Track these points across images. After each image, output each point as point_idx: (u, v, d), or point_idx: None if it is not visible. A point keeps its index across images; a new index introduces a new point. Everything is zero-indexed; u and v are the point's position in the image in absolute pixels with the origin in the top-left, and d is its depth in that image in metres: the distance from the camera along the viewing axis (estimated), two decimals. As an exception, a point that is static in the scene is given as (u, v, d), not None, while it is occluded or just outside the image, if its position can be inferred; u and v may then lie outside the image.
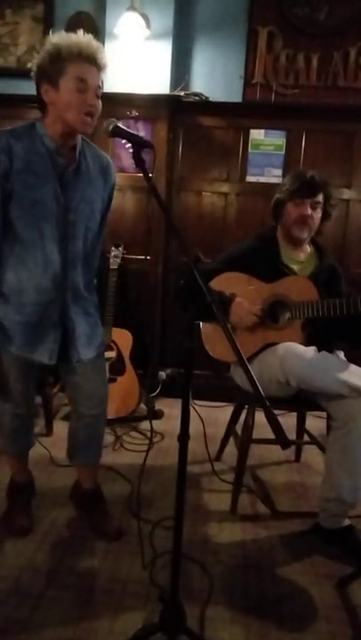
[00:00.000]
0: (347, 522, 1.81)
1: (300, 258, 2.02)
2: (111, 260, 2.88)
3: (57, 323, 1.62)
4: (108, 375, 2.73)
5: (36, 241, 1.54)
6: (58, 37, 1.47)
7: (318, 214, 1.96)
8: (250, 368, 1.07)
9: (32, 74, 1.53)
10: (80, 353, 1.67)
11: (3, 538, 1.76)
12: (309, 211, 1.92)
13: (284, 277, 1.93)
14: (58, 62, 1.45)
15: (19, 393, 1.71)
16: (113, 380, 2.77)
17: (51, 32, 1.52)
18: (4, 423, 1.77)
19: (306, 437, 2.35)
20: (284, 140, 3.10)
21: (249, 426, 1.98)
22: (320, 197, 1.93)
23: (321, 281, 1.95)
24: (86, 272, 1.68)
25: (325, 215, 1.98)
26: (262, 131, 3.11)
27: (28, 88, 3.10)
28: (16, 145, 1.49)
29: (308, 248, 2.05)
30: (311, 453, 2.48)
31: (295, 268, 1.99)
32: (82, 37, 1.47)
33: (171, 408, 2.97)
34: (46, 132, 1.52)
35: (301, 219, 1.93)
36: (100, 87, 1.51)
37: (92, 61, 1.47)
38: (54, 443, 2.36)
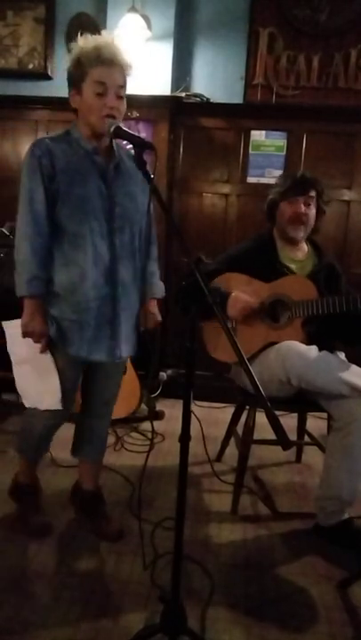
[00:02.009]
0: (345, 516, 1.82)
1: (299, 257, 2.03)
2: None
3: (110, 319, 1.63)
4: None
5: (85, 237, 1.55)
6: (84, 41, 1.51)
7: (313, 211, 1.97)
8: (251, 368, 1.07)
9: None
10: (122, 350, 1.67)
11: (4, 538, 1.77)
12: (303, 208, 1.94)
13: (284, 277, 1.94)
14: (79, 68, 1.50)
15: (71, 400, 1.71)
16: (114, 381, 2.77)
17: (79, 35, 1.55)
18: (33, 431, 1.77)
19: (307, 438, 2.36)
20: (285, 142, 3.11)
21: (250, 427, 1.98)
22: (312, 193, 1.95)
23: (320, 279, 1.96)
24: (136, 267, 1.68)
25: (319, 211, 2.00)
26: (263, 132, 3.11)
27: (29, 89, 3.17)
28: (55, 149, 1.54)
29: (305, 247, 2.06)
30: (312, 454, 2.48)
31: (294, 267, 1.99)
32: (101, 40, 1.50)
33: (172, 409, 2.97)
34: (81, 134, 1.57)
35: (296, 216, 1.94)
36: (121, 87, 1.52)
37: (110, 63, 1.49)
38: (56, 444, 2.35)
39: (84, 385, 1.81)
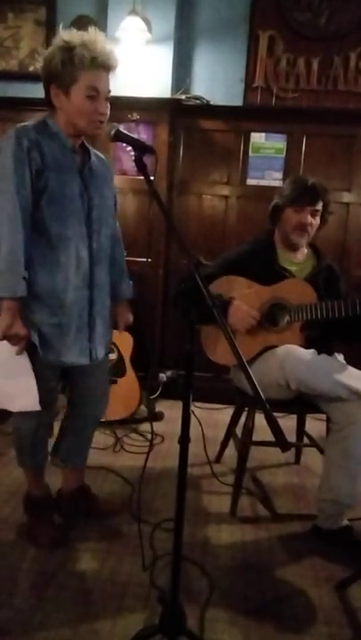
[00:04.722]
0: (345, 522, 1.82)
1: (298, 259, 2.03)
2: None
3: (87, 321, 1.62)
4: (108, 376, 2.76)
5: (69, 239, 1.53)
6: (69, 36, 1.44)
7: (317, 221, 1.96)
8: (250, 372, 1.08)
9: (40, 69, 1.50)
10: (98, 352, 1.67)
11: (3, 539, 1.77)
12: (309, 219, 1.93)
13: (283, 280, 1.94)
14: (70, 68, 1.43)
15: (53, 401, 1.69)
16: (114, 382, 2.78)
17: (60, 27, 1.48)
18: (22, 437, 1.72)
19: (306, 440, 2.36)
20: (285, 144, 3.11)
21: (249, 428, 1.99)
22: (320, 205, 1.94)
23: (319, 282, 1.96)
24: (108, 269, 1.69)
25: (322, 221, 1.99)
26: (263, 134, 3.12)
27: (29, 91, 3.17)
28: (42, 141, 1.47)
29: (304, 250, 2.06)
30: (311, 456, 2.48)
31: (293, 269, 2.00)
32: (95, 40, 1.44)
33: (171, 410, 2.98)
34: (61, 130, 1.52)
35: (301, 226, 1.93)
36: (109, 91, 1.52)
37: (104, 67, 1.46)
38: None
39: (75, 391, 1.78)
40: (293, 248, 2.01)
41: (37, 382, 1.57)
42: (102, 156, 1.72)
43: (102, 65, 1.45)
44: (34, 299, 1.53)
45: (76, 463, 1.89)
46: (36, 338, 1.54)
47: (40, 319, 1.55)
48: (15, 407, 1.63)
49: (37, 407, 1.59)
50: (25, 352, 1.54)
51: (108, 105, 1.53)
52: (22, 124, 1.50)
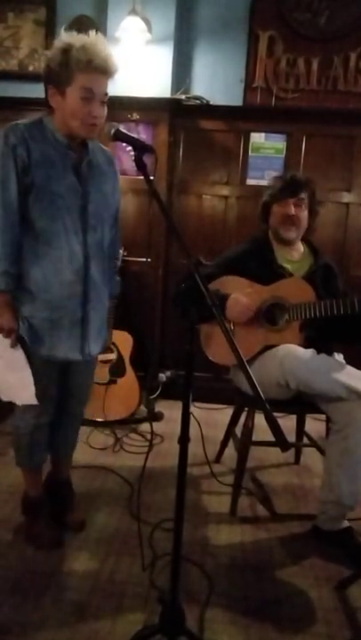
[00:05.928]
0: (345, 524, 1.82)
1: (295, 257, 2.04)
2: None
3: (81, 316, 1.62)
4: (108, 377, 2.77)
5: (59, 234, 1.53)
6: (69, 38, 1.46)
7: (304, 212, 1.97)
8: (250, 371, 1.08)
9: (42, 71, 1.53)
10: (91, 348, 1.67)
11: (2, 539, 1.77)
12: (293, 210, 1.94)
13: (281, 279, 1.95)
14: (66, 69, 1.44)
15: (50, 399, 1.68)
16: (113, 382, 2.78)
17: (62, 30, 1.50)
18: (20, 436, 1.73)
19: (305, 440, 2.36)
20: (285, 144, 3.11)
21: (249, 428, 1.99)
22: (303, 195, 1.95)
23: (316, 280, 1.97)
24: (105, 265, 1.69)
25: (312, 212, 2.00)
26: (263, 134, 3.12)
27: (29, 91, 3.17)
28: (31, 138, 1.49)
29: (301, 248, 2.06)
30: (310, 456, 2.48)
31: (290, 267, 2.00)
32: (92, 43, 1.45)
33: (171, 410, 2.98)
34: (56, 127, 1.53)
35: (286, 218, 1.95)
36: (106, 94, 1.51)
37: (101, 70, 1.46)
38: (54, 444, 2.37)
39: (64, 387, 1.77)
40: (287, 243, 2.02)
41: (33, 377, 1.59)
42: (107, 150, 1.71)
43: (98, 68, 1.45)
44: (25, 292, 1.55)
45: (65, 451, 1.91)
46: (25, 331, 1.56)
47: (31, 313, 1.57)
48: (19, 401, 1.65)
49: (34, 401, 1.61)
50: (20, 347, 1.57)
51: (105, 109, 1.52)
52: (14, 122, 1.52)
